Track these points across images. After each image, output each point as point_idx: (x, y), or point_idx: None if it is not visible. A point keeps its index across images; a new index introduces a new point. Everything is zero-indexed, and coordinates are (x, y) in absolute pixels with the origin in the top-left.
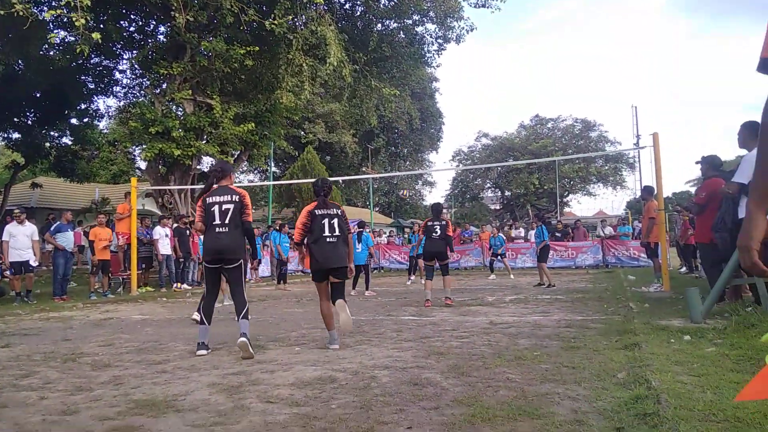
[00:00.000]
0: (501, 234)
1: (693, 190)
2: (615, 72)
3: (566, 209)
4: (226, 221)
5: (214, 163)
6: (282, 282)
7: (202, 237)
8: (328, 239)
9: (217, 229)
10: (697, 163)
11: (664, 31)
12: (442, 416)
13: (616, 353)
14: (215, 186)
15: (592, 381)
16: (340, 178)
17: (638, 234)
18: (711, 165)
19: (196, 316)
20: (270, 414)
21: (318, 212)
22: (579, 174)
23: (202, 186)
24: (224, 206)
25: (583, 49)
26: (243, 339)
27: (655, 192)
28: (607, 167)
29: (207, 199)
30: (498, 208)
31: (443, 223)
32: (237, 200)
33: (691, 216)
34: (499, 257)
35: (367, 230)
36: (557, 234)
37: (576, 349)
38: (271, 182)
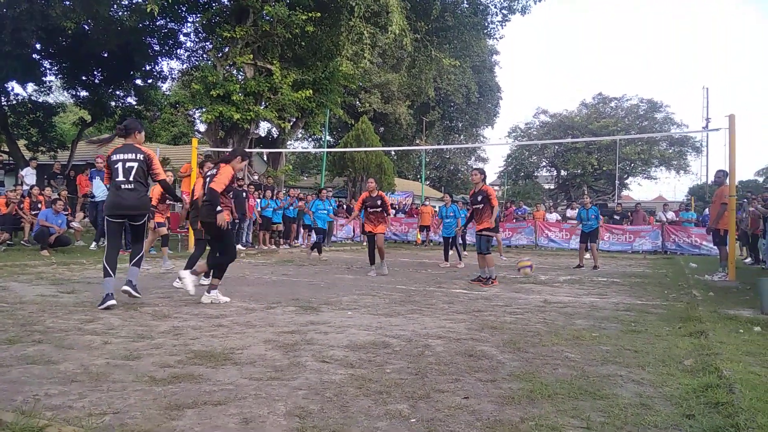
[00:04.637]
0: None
1: (762, 180)
2: (686, 52)
3: (624, 192)
4: (130, 178)
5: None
6: (315, 250)
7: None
8: None
9: (122, 186)
10: None
11: (740, 9)
12: (499, 389)
13: (680, 340)
14: (119, 144)
15: (656, 366)
16: (392, 149)
17: (703, 220)
18: None
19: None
20: (326, 373)
21: None
22: (641, 156)
23: (258, 150)
24: (128, 164)
25: (655, 25)
26: (126, 287)
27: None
28: (671, 150)
29: (111, 156)
30: (552, 187)
31: None
32: (141, 159)
33: (760, 206)
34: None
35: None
36: (615, 216)
37: (637, 333)
38: (325, 149)
